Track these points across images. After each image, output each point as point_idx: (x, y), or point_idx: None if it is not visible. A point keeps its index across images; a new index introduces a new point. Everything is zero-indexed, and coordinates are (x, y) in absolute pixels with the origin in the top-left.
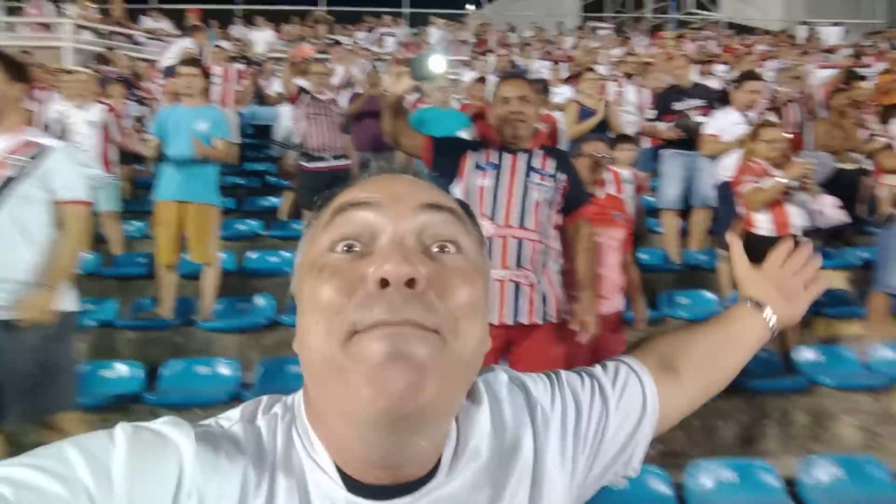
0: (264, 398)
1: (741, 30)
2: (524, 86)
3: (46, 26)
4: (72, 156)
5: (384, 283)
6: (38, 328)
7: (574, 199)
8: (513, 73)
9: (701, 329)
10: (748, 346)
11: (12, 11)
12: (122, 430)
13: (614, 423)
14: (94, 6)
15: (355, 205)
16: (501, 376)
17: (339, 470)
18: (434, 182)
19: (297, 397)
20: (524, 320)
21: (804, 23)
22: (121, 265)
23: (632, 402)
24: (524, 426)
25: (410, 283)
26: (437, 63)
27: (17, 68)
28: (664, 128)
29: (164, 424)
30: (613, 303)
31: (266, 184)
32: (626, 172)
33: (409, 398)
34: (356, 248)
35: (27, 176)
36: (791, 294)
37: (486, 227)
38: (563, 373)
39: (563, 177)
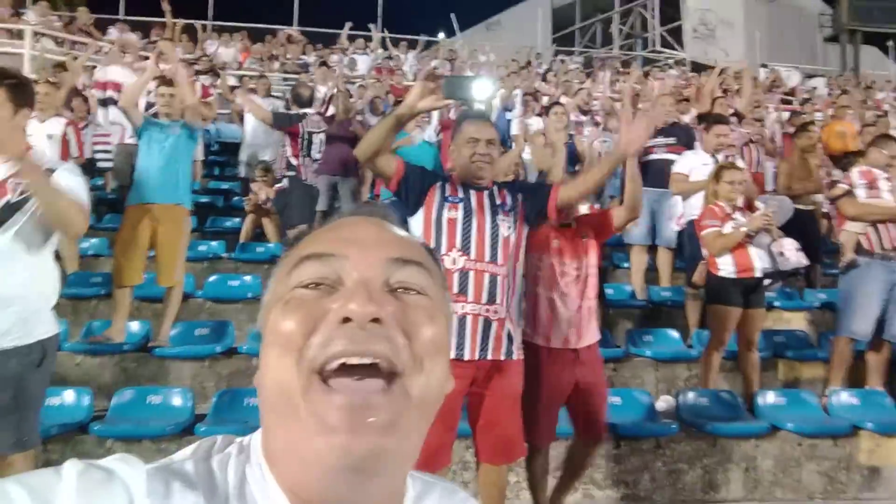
0: (219, 437)
1: (703, 69)
2: (491, 129)
3: (6, 32)
4: (74, 172)
5: (347, 319)
6: (21, 355)
7: (540, 196)
8: (478, 114)
9: None
10: None
11: None
12: (71, 466)
13: None
14: (56, 14)
15: (323, 256)
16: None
17: None
18: (399, 224)
19: (253, 438)
20: (490, 357)
21: (764, 65)
22: (74, 284)
23: None
24: None
25: (375, 320)
26: (482, 87)
27: (24, 92)
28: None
29: (115, 461)
30: (593, 333)
31: (230, 204)
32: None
33: (367, 451)
34: (322, 287)
35: (29, 206)
36: None
37: (459, 260)
38: None
39: (517, 199)
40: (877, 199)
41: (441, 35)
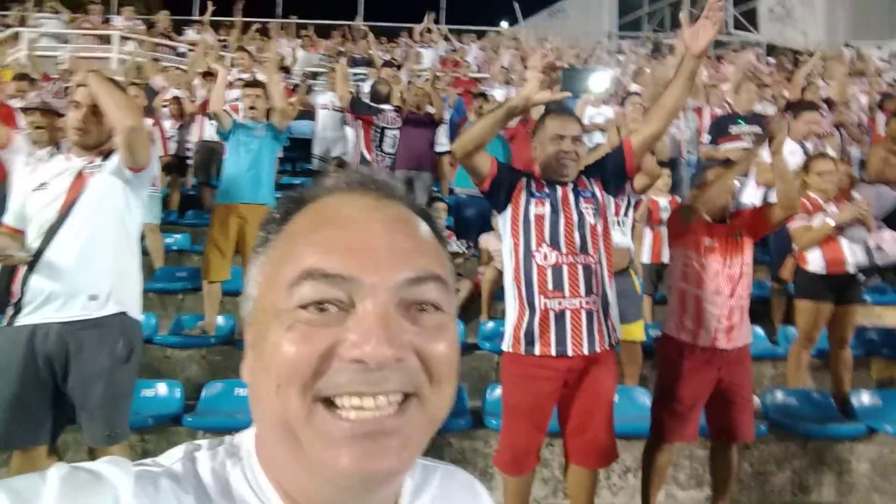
0: (206, 440)
1: (780, 52)
2: (576, 124)
3: (99, 37)
4: None
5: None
6: (107, 349)
7: (613, 157)
8: (563, 109)
9: None
10: None
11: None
12: (56, 470)
13: None
14: (139, 18)
15: (330, 276)
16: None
17: None
18: (404, 195)
19: (243, 438)
20: (598, 349)
21: (847, 45)
22: (161, 279)
23: None
24: None
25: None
26: (600, 80)
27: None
28: (723, 151)
29: (104, 464)
30: (745, 334)
31: None
32: (663, 200)
33: (382, 473)
34: (330, 310)
35: (101, 171)
36: None
37: (551, 255)
38: None
39: (596, 181)
40: None
41: (504, 24)
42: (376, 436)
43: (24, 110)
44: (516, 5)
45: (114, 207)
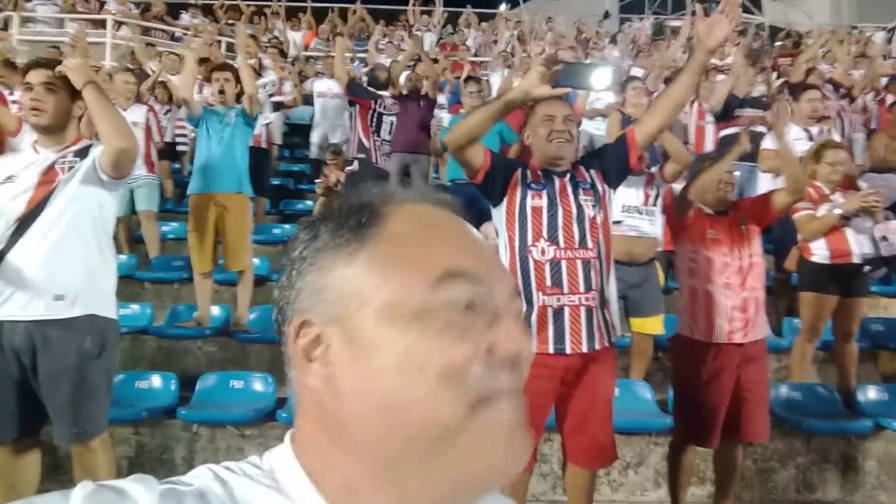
0: (233, 462)
1: (777, 33)
2: (566, 105)
3: (93, 22)
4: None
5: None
6: (75, 346)
7: (616, 149)
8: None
9: None
10: None
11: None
12: (81, 489)
13: None
14: (133, 2)
15: (472, 276)
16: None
17: None
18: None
19: (274, 459)
20: (598, 346)
21: (853, 27)
22: (156, 269)
23: None
24: None
25: None
26: (601, 77)
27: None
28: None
29: (129, 482)
30: (762, 327)
31: (300, 187)
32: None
33: (522, 464)
34: (476, 312)
35: (76, 172)
36: None
37: (549, 250)
38: None
39: (595, 172)
40: None
41: (503, 6)
42: (523, 433)
43: None
44: None
45: (86, 208)
